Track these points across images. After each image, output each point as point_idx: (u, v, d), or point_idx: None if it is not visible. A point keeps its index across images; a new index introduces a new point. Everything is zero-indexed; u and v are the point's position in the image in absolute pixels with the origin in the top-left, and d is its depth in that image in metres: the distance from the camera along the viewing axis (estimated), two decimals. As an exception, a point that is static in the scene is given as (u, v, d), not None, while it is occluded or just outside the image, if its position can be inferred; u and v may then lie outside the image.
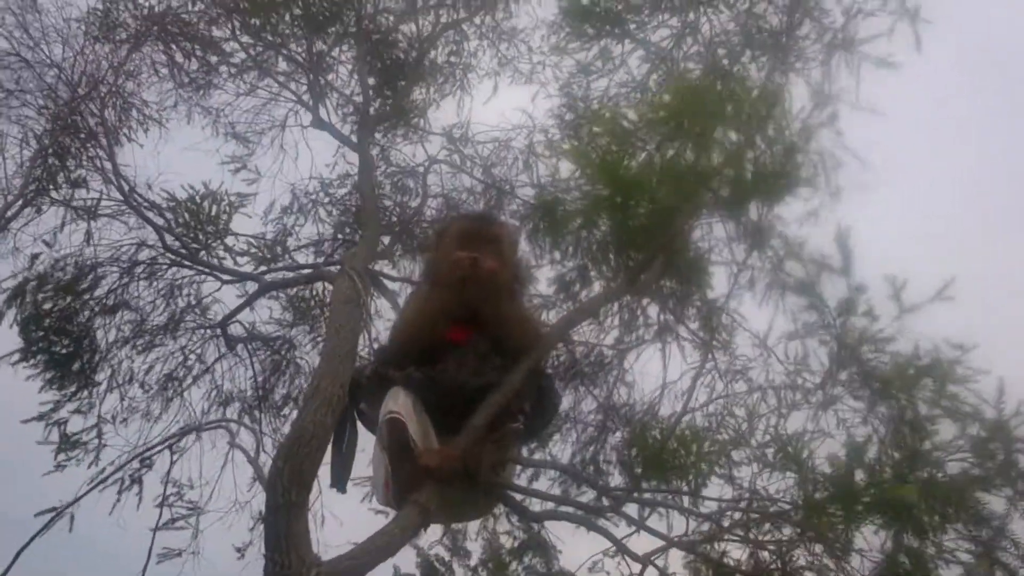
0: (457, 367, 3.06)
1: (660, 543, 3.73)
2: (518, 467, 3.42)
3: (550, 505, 3.76)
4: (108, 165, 5.08)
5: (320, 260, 5.30)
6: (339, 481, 3.17)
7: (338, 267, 3.72)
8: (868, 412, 3.73)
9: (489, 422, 2.98)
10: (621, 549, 3.74)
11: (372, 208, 4.16)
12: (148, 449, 4.40)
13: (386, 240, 5.15)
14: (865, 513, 3.43)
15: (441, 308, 3.18)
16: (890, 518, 3.42)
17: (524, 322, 3.30)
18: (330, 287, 5.24)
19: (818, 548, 3.62)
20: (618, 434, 4.72)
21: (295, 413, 4.99)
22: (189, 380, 5.23)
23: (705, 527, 3.78)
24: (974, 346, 3.63)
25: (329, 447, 2.95)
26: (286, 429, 5.05)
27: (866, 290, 3.72)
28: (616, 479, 4.67)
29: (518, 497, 3.36)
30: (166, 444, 4.44)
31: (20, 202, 5.23)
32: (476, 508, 3.21)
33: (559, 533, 4.41)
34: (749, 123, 4.02)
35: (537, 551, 5.30)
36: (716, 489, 3.86)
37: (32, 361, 5.08)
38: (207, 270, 4.89)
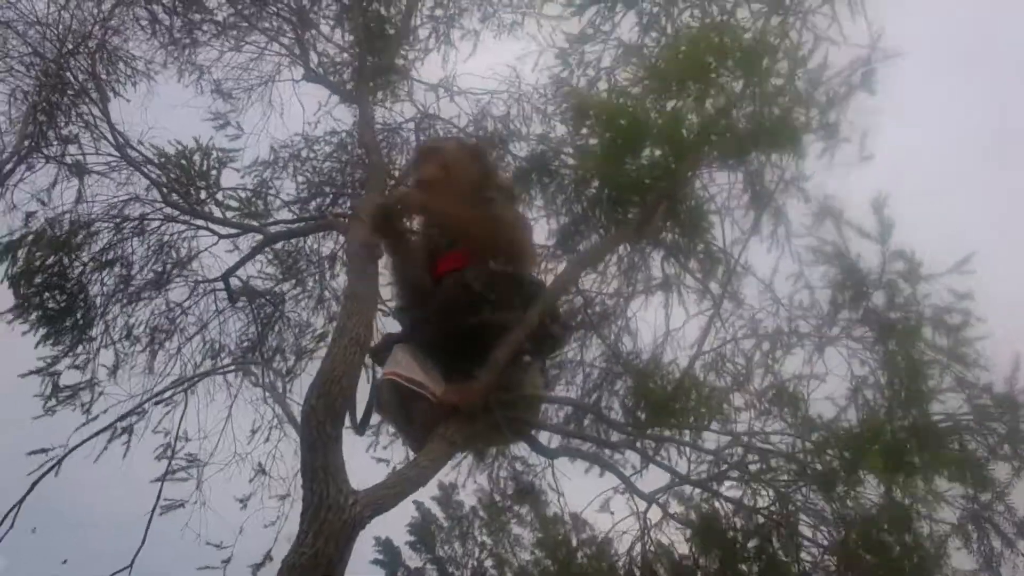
0: (447, 306, 3.08)
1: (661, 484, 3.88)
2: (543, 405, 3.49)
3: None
4: (100, 120, 5.05)
5: (315, 214, 5.28)
6: (359, 425, 3.23)
7: (348, 214, 3.73)
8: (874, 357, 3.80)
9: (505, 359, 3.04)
10: (629, 487, 3.86)
11: (377, 158, 4.18)
12: (163, 392, 4.38)
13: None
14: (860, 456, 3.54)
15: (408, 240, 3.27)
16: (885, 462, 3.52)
17: (497, 226, 3.21)
18: (329, 239, 5.36)
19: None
20: (621, 381, 4.76)
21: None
22: (189, 333, 5.23)
23: (704, 468, 3.91)
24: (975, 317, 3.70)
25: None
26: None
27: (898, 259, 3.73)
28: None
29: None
30: (181, 388, 4.43)
31: (15, 159, 5.17)
32: (501, 439, 3.28)
33: (564, 472, 4.48)
34: (748, 72, 4.06)
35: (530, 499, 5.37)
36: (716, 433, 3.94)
37: (26, 318, 5.07)
38: (209, 223, 4.86)
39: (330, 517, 2.39)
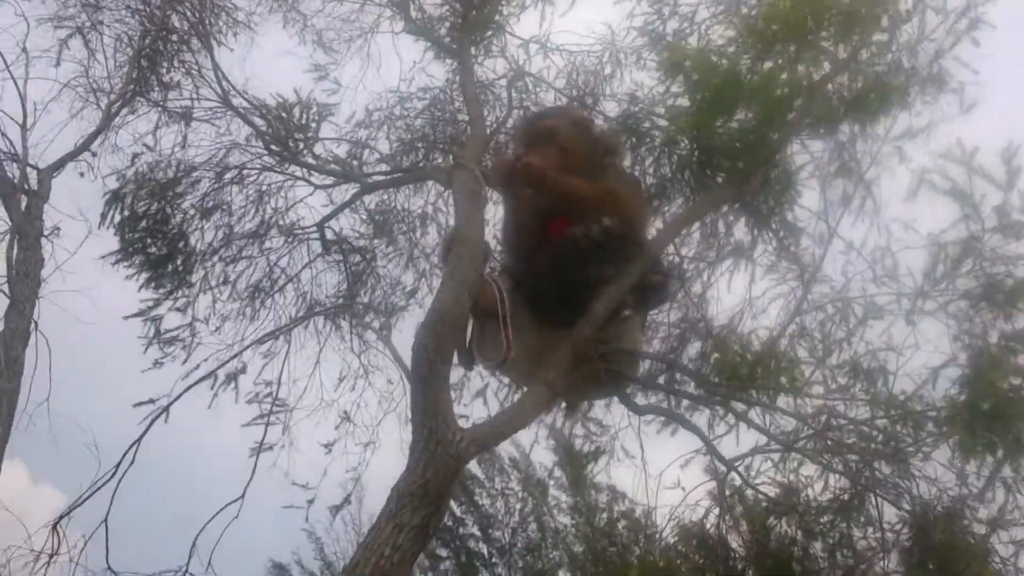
0: (551, 265, 3.14)
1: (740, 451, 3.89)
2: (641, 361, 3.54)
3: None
4: (202, 68, 5.20)
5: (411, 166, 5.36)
6: (466, 361, 3.29)
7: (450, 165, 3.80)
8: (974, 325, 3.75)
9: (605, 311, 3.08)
10: (711, 451, 3.88)
11: (477, 109, 4.24)
12: (263, 338, 4.53)
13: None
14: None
15: (518, 207, 3.33)
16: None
17: (613, 199, 3.24)
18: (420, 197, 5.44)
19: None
20: (702, 344, 4.75)
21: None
22: (282, 281, 5.38)
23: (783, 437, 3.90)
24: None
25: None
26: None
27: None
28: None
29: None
30: (283, 330, 4.58)
31: (119, 103, 5.36)
32: (599, 391, 3.34)
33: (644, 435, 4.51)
34: (849, 35, 3.99)
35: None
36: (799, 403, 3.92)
37: (129, 262, 5.28)
38: (308, 172, 4.97)
39: (439, 451, 2.47)
